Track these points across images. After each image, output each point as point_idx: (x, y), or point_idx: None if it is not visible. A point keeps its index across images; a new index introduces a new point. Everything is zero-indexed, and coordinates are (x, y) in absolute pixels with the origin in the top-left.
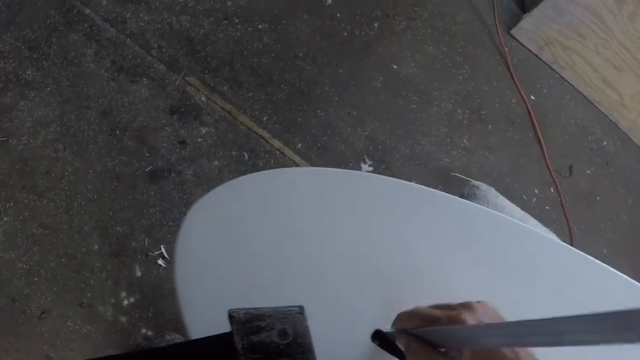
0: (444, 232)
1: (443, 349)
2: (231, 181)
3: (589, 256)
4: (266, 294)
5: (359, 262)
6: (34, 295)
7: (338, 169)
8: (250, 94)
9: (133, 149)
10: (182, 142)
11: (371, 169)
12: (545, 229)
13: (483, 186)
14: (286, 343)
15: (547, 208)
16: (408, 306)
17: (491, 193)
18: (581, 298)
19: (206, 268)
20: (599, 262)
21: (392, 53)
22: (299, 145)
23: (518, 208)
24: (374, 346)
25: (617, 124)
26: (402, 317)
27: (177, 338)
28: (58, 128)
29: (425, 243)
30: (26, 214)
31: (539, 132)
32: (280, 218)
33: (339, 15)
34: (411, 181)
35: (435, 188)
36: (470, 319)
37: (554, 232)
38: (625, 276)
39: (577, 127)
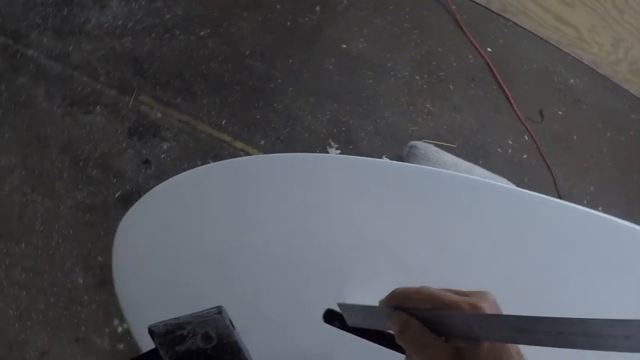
0: (388, 199)
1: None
2: (166, 182)
3: (541, 195)
4: (213, 289)
5: (306, 241)
6: (30, 339)
7: (281, 154)
8: (205, 101)
9: (99, 178)
10: (146, 162)
11: (339, 151)
12: (494, 176)
13: (421, 144)
14: (212, 346)
15: (525, 156)
16: (360, 281)
17: (430, 149)
18: (542, 239)
19: (144, 267)
20: (550, 197)
21: (339, 33)
22: (262, 142)
23: (463, 160)
24: (327, 326)
25: (581, 60)
26: (401, 295)
27: None
28: (23, 172)
29: (371, 214)
30: (7, 262)
31: (502, 83)
32: (220, 210)
33: (278, 6)
34: (380, 155)
35: None
36: (487, 308)
37: (534, 179)
38: (575, 205)
39: (540, 71)
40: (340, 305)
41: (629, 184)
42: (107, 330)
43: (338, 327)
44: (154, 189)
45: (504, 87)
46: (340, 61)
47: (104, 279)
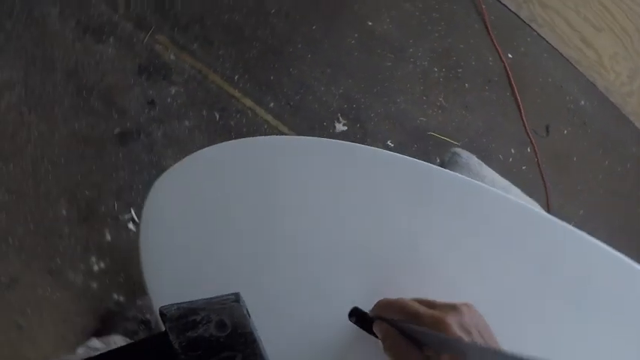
0: (427, 205)
1: (421, 346)
2: (205, 149)
3: (573, 228)
4: (239, 270)
5: (339, 236)
6: (2, 263)
7: (320, 139)
8: (221, 52)
9: (100, 111)
10: (151, 103)
11: (345, 128)
12: (528, 198)
13: (465, 153)
14: (226, 335)
15: (524, 167)
16: (389, 284)
17: (472, 160)
18: (566, 273)
19: (173, 239)
20: (583, 233)
21: (367, 10)
22: (271, 104)
23: (501, 178)
24: (351, 324)
25: (595, 84)
26: (382, 305)
27: (149, 304)
28: (23, 91)
29: (408, 217)
30: None
31: (516, 91)
32: (255, 189)
33: None
34: (386, 140)
35: (411, 147)
36: (454, 323)
37: (528, 192)
38: (610, 248)
39: (555, 87)
40: (357, 310)
41: (616, 214)
42: (83, 266)
43: (361, 327)
44: (196, 153)
45: (518, 96)
46: (363, 37)
47: (88, 214)
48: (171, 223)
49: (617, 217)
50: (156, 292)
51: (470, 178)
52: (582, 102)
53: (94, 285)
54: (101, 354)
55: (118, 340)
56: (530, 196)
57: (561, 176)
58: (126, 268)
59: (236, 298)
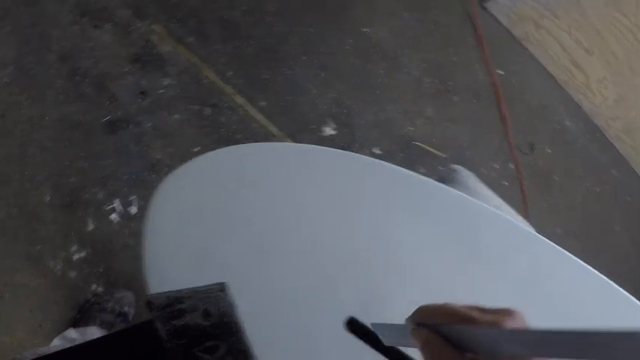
0: (425, 219)
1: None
2: (211, 152)
3: (561, 249)
4: (237, 273)
5: (336, 246)
6: None
7: (320, 147)
8: (217, 47)
9: (92, 97)
10: (143, 93)
11: (334, 132)
12: (519, 217)
13: (464, 171)
14: (211, 324)
15: (505, 183)
16: (385, 294)
17: (471, 179)
18: (552, 291)
19: (176, 239)
20: (572, 255)
21: (365, 16)
22: (263, 103)
23: (494, 195)
24: (345, 333)
25: (581, 106)
26: (426, 310)
27: (128, 296)
28: (16, 70)
29: (405, 231)
30: None
31: (503, 107)
32: (257, 195)
33: None
34: (373, 147)
35: (397, 156)
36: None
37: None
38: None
39: (541, 106)
40: (374, 325)
41: (592, 234)
42: (63, 254)
43: (359, 337)
44: (208, 154)
45: (505, 112)
46: (359, 44)
47: (72, 201)
48: (174, 224)
49: (591, 238)
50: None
51: (465, 194)
52: (567, 122)
53: (73, 274)
54: (84, 344)
55: (95, 332)
56: None
57: (542, 194)
58: (106, 259)
59: (221, 287)
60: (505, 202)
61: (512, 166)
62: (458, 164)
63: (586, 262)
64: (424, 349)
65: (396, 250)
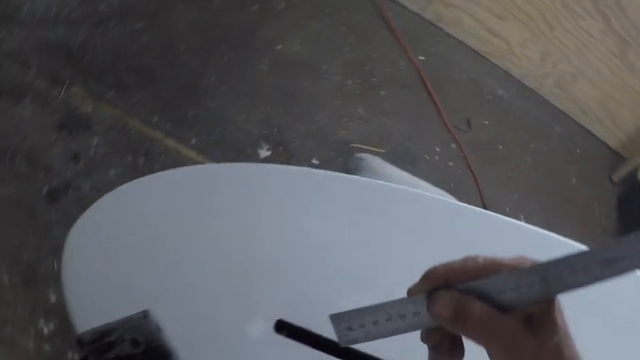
0: (338, 212)
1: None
2: (111, 192)
3: (486, 210)
4: (162, 298)
5: (255, 253)
6: None
7: (221, 164)
8: (137, 96)
9: (27, 172)
10: (75, 157)
11: (269, 153)
12: (436, 189)
13: (367, 156)
14: (141, 351)
15: (451, 164)
16: (311, 293)
17: (376, 162)
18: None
19: (94, 271)
20: (495, 214)
21: (275, 34)
22: (193, 141)
23: (407, 173)
24: (277, 336)
25: (510, 72)
26: (444, 271)
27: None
28: None
29: (321, 228)
30: None
31: (432, 91)
32: (169, 219)
33: (215, 3)
34: (311, 158)
35: (336, 161)
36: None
37: (459, 186)
38: (520, 222)
39: (470, 81)
40: (335, 317)
41: (550, 193)
42: (33, 331)
43: (292, 338)
44: (110, 194)
45: (434, 95)
46: (275, 62)
47: (30, 278)
48: (91, 260)
49: (550, 197)
50: (81, 323)
51: (375, 179)
52: (500, 91)
53: (47, 347)
54: None
55: None
56: (463, 190)
57: (490, 166)
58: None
59: (144, 314)
60: (421, 180)
61: (454, 145)
62: (399, 155)
63: (550, 221)
64: (459, 319)
65: (315, 249)
